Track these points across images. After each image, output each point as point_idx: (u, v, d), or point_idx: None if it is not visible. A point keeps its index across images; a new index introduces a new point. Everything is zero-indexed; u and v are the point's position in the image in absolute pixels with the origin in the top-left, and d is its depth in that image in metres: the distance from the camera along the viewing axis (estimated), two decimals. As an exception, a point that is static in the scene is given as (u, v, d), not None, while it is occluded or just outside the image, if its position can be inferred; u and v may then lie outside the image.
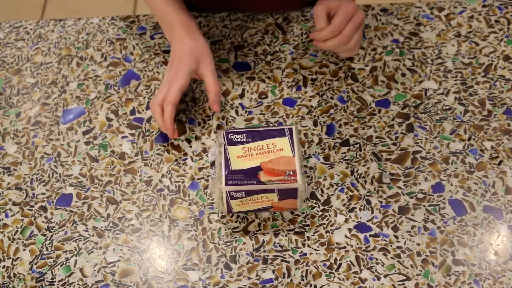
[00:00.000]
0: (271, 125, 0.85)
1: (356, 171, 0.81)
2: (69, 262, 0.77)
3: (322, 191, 0.80)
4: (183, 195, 0.81)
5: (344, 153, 0.83)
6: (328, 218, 0.78)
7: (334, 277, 0.74)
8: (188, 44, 0.84)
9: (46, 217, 0.81)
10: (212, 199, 0.80)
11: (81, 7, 2.18)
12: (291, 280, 0.74)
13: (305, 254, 0.75)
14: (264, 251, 0.76)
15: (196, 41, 0.85)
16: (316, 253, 0.75)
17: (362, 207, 0.78)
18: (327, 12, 0.84)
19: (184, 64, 0.83)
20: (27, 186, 0.84)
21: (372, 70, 0.90)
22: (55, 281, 0.76)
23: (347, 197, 0.79)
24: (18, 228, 0.80)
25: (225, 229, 0.78)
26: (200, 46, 0.84)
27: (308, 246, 0.76)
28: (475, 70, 0.89)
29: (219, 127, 0.86)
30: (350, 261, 0.75)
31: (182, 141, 0.86)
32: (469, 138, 0.83)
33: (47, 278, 0.76)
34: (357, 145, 0.83)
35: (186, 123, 0.87)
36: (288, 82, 0.90)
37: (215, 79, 0.84)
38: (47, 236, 0.79)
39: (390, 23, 0.95)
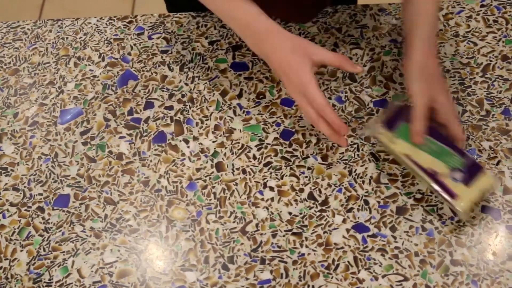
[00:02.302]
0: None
1: (354, 172, 0.81)
2: (66, 263, 0.77)
3: (320, 192, 0.80)
4: (181, 196, 0.81)
5: (342, 153, 0.83)
6: (326, 219, 0.78)
7: (332, 277, 0.73)
8: (286, 49, 0.76)
9: (43, 218, 0.81)
10: (210, 200, 0.80)
11: (79, 7, 2.18)
12: (289, 280, 0.74)
13: (303, 254, 0.75)
14: (262, 251, 0.76)
15: (290, 39, 0.77)
16: (314, 254, 0.75)
17: (360, 208, 0.78)
18: (429, 105, 0.76)
19: (300, 67, 0.75)
20: (25, 186, 0.83)
21: (370, 70, 0.90)
22: (52, 282, 0.76)
23: (345, 198, 0.79)
24: (15, 229, 0.80)
25: (223, 230, 0.78)
26: (297, 41, 0.76)
27: (306, 246, 0.76)
28: (473, 70, 0.89)
29: (216, 127, 0.86)
30: (348, 261, 0.74)
31: (180, 141, 0.85)
32: (467, 138, 0.83)
33: (44, 279, 0.76)
34: (355, 145, 0.83)
35: (184, 123, 0.87)
36: (286, 82, 0.89)
37: (332, 53, 0.76)
38: (45, 237, 0.79)
39: (388, 23, 0.94)
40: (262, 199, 0.80)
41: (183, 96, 0.90)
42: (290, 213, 0.78)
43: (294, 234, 0.77)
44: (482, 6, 0.96)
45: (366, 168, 0.81)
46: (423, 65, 0.76)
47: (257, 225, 0.78)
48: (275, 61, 0.76)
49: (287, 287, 0.73)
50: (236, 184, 0.81)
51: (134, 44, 0.96)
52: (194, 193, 0.81)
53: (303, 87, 0.74)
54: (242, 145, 0.84)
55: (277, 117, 0.86)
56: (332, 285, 0.73)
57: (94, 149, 0.86)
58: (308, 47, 0.75)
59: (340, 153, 0.82)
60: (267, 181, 0.81)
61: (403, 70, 0.81)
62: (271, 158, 0.83)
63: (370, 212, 0.78)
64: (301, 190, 0.80)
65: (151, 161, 0.84)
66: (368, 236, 0.76)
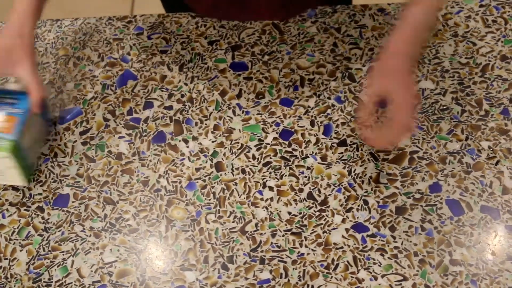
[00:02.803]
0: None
1: (353, 171, 0.81)
2: (66, 263, 0.77)
3: (319, 191, 0.80)
4: (180, 196, 0.81)
5: (341, 153, 0.83)
6: (325, 218, 0.78)
7: (332, 277, 0.73)
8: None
9: (43, 218, 0.81)
10: (210, 200, 0.80)
11: (78, 7, 2.18)
12: (288, 280, 0.74)
13: (302, 254, 0.75)
14: (261, 251, 0.76)
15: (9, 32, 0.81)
16: (313, 253, 0.75)
17: (359, 207, 0.78)
18: (380, 96, 0.75)
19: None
20: (24, 186, 0.83)
21: (369, 70, 0.90)
22: (52, 282, 0.76)
23: (344, 197, 0.79)
24: (15, 228, 0.80)
25: (222, 230, 0.78)
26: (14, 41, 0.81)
27: (305, 246, 0.76)
28: (472, 70, 0.89)
29: (216, 127, 0.86)
30: (347, 261, 0.75)
31: (179, 141, 0.85)
32: (466, 138, 0.83)
33: (44, 278, 0.76)
34: (354, 145, 0.83)
35: (183, 123, 0.87)
36: (285, 82, 0.89)
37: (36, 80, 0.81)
38: (44, 237, 0.79)
39: (388, 23, 0.95)
40: (262, 199, 0.80)
41: (182, 96, 0.90)
42: (289, 213, 0.78)
43: (293, 234, 0.77)
44: (481, 6, 0.96)
45: (365, 168, 0.81)
46: (383, 63, 0.76)
47: (256, 225, 0.78)
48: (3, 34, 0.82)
49: (287, 286, 0.73)
50: (236, 184, 0.81)
51: (134, 44, 0.96)
52: (194, 193, 0.81)
53: (20, 39, 0.81)
54: (242, 145, 0.84)
55: (276, 117, 0.86)
56: (332, 285, 0.73)
57: (93, 149, 0.86)
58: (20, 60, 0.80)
59: (339, 153, 0.83)
60: (267, 181, 0.81)
61: None
62: (271, 158, 0.83)
63: (370, 212, 0.78)
64: (301, 190, 0.80)
65: (150, 161, 0.84)
66: (368, 236, 0.76)
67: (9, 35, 0.81)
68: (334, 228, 0.77)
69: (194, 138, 0.85)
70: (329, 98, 0.88)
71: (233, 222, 0.78)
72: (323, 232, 0.77)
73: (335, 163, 0.82)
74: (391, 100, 0.73)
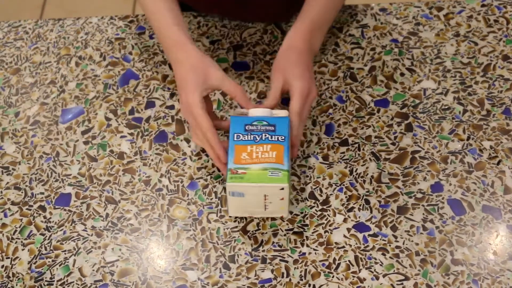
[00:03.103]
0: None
1: (355, 171, 0.81)
2: (68, 262, 0.77)
3: (321, 191, 0.80)
4: (182, 195, 0.81)
5: (343, 152, 0.83)
6: (327, 218, 0.78)
7: (333, 276, 0.74)
8: (187, 65, 0.78)
9: (45, 217, 0.81)
10: (211, 199, 0.80)
11: (80, 6, 2.18)
12: (290, 279, 0.74)
13: (304, 253, 0.75)
14: (263, 250, 0.76)
15: (193, 57, 0.78)
16: (315, 253, 0.75)
17: (361, 207, 0.78)
18: (282, 87, 0.78)
19: (190, 87, 0.76)
20: (26, 185, 0.84)
21: (371, 69, 0.90)
22: (54, 281, 0.76)
23: (346, 197, 0.79)
24: (17, 227, 0.80)
25: (224, 229, 0.78)
26: (200, 60, 0.78)
27: (307, 245, 0.76)
28: (474, 69, 0.89)
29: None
30: (349, 260, 0.75)
31: (181, 140, 0.86)
32: (468, 138, 0.83)
33: (46, 277, 0.76)
34: (356, 145, 0.83)
35: (185, 123, 0.87)
36: (287, 81, 0.89)
37: (232, 82, 0.77)
38: (46, 236, 0.79)
39: (389, 23, 0.95)
40: (263, 199, 0.80)
41: (184, 95, 0.90)
42: (291, 212, 0.78)
43: (295, 233, 0.77)
44: (483, 6, 0.96)
45: (367, 168, 0.81)
46: (281, 57, 0.80)
47: (258, 224, 0.78)
48: (177, 75, 0.79)
49: (288, 286, 0.73)
50: (237, 183, 0.81)
51: (135, 44, 0.96)
52: (195, 192, 0.81)
53: (190, 107, 0.75)
54: (243, 144, 0.84)
55: (278, 117, 0.86)
56: (333, 285, 0.73)
57: (95, 148, 0.86)
58: (207, 69, 0.77)
59: (341, 153, 0.83)
60: (268, 180, 0.81)
61: None
62: (272, 157, 0.83)
63: (371, 212, 0.78)
64: (302, 190, 0.80)
65: (152, 160, 0.84)
66: (369, 235, 0.76)
67: (195, 63, 0.78)
68: (335, 228, 0.77)
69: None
70: (330, 97, 0.88)
71: (234, 221, 0.78)
72: (325, 232, 0.77)
73: (337, 162, 0.82)
74: (291, 93, 0.77)
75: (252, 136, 0.73)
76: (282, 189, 0.69)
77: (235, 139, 0.73)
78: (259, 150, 0.72)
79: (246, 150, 0.72)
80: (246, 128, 0.74)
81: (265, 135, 0.73)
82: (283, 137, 0.73)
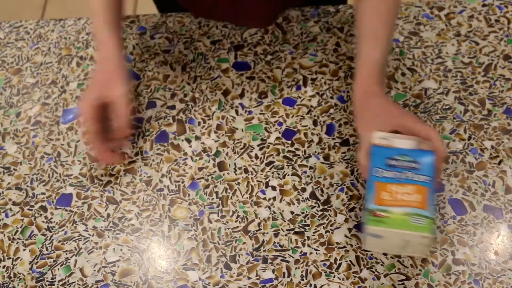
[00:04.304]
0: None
1: (356, 171, 0.81)
2: (69, 262, 0.77)
3: (322, 191, 0.80)
4: (183, 195, 0.81)
5: (344, 152, 0.83)
6: (328, 218, 0.78)
7: (334, 276, 0.73)
8: (97, 67, 0.81)
9: (46, 217, 0.81)
10: (213, 199, 0.80)
11: (81, 7, 2.18)
12: (291, 279, 0.74)
13: (305, 253, 0.75)
14: (264, 250, 0.76)
15: (102, 63, 0.81)
16: (316, 253, 0.75)
17: (362, 207, 0.78)
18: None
19: (87, 94, 0.80)
20: (27, 186, 0.84)
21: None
22: (55, 281, 0.76)
23: (347, 197, 0.79)
24: (18, 228, 0.80)
25: (225, 229, 0.78)
26: (110, 70, 0.81)
27: (308, 245, 0.76)
28: (475, 69, 0.89)
29: (219, 127, 0.86)
30: (350, 260, 0.75)
31: (182, 141, 0.86)
32: (469, 138, 0.83)
33: (47, 278, 0.76)
34: (357, 145, 0.83)
35: (186, 123, 0.87)
36: (288, 81, 0.90)
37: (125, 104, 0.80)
38: (47, 236, 0.79)
39: (390, 23, 0.94)
40: (264, 199, 0.80)
41: (185, 95, 0.90)
42: (292, 213, 0.78)
43: (296, 233, 0.77)
44: (483, 5, 0.96)
45: (368, 168, 0.81)
46: (366, 105, 0.73)
47: (259, 224, 0.78)
48: (94, 74, 0.82)
49: (289, 286, 0.73)
50: (238, 183, 0.81)
51: (136, 44, 0.96)
52: (196, 192, 0.81)
53: (82, 110, 0.79)
54: (244, 144, 0.84)
55: (279, 117, 0.86)
56: (334, 284, 0.73)
57: (96, 149, 0.86)
58: (111, 81, 0.79)
59: (342, 153, 0.83)
60: (269, 180, 0.81)
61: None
62: (273, 157, 0.83)
63: (372, 212, 0.78)
64: (303, 190, 0.80)
65: (153, 160, 0.84)
66: (370, 235, 0.76)
67: (107, 70, 0.81)
68: (336, 228, 0.77)
69: (197, 138, 0.86)
70: (331, 97, 0.88)
71: (235, 221, 0.78)
72: (326, 232, 0.77)
73: (338, 162, 0.82)
74: (416, 132, 0.68)
75: (394, 173, 0.67)
76: (425, 237, 0.64)
77: (376, 174, 0.67)
78: (402, 191, 0.66)
79: (387, 189, 0.66)
80: (388, 162, 0.68)
81: (409, 174, 0.66)
82: (428, 178, 0.66)
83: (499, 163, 0.80)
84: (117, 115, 0.79)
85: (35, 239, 0.79)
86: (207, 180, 0.82)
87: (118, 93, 0.79)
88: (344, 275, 0.74)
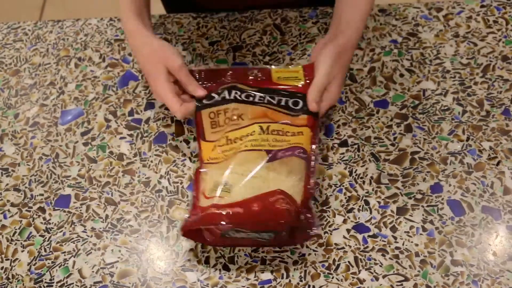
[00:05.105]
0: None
1: (355, 172, 0.81)
2: (67, 263, 0.77)
3: (321, 192, 0.80)
4: (182, 196, 0.81)
5: (343, 153, 0.83)
6: (327, 219, 0.78)
7: (333, 277, 0.73)
8: (144, 55, 0.80)
9: (44, 218, 0.81)
10: (211, 200, 0.80)
11: (79, 8, 2.18)
12: (290, 281, 0.74)
13: (304, 254, 0.75)
14: (263, 252, 0.76)
15: (149, 45, 0.80)
16: (315, 254, 0.75)
17: (361, 208, 0.78)
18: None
19: (155, 77, 0.79)
20: (26, 187, 0.84)
21: (370, 70, 0.90)
22: (53, 282, 0.76)
23: (345, 198, 0.79)
24: (16, 229, 0.80)
25: (224, 230, 0.78)
26: (155, 47, 0.80)
27: (307, 246, 0.76)
28: (474, 70, 0.89)
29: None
30: (349, 261, 0.75)
31: (181, 142, 0.86)
32: (468, 139, 0.83)
33: (45, 279, 0.76)
34: (356, 146, 0.83)
35: (184, 124, 0.87)
36: (286, 82, 0.89)
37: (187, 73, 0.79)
38: (46, 237, 0.79)
39: (389, 24, 0.95)
40: (263, 200, 0.80)
41: (183, 96, 0.90)
42: (290, 214, 0.78)
43: (294, 234, 0.77)
44: (482, 6, 0.96)
45: (366, 169, 0.81)
46: (339, 52, 0.79)
47: (257, 225, 0.78)
48: (140, 64, 0.81)
49: (288, 287, 0.73)
50: (237, 184, 0.81)
51: (135, 45, 0.96)
52: (195, 193, 0.81)
53: (161, 97, 0.78)
54: (243, 145, 0.84)
55: (277, 118, 0.86)
56: (333, 285, 0.73)
57: (94, 150, 0.86)
58: (164, 56, 0.78)
59: (340, 154, 0.83)
60: (268, 181, 0.81)
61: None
62: (272, 158, 0.83)
63: (371, 213, 0.78)
64: (302, 191, 0.80)
65: (151, 161, 0.84)
66: (369, 236, 0.76)
67: (152, 50, 0.80)
68: (335, 229, 0.77)
69: (195, 139, 0.85)
70: (330, 98, 0.88)
71: (234, 222, 0.78)
72: (324, 233, 0.77)
73: (336, 163, 0.82)
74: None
75: None
76: None
77: None
78: None
79: None
80: None
81: None
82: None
83: (498, 164, 0.80)
84: (185, 84, 0.79)
85: (33, 241, 0.79)
86: (205, 181, 0.82)
87: (178, 64, 0.78)
88: (343, 276, 0.74)
